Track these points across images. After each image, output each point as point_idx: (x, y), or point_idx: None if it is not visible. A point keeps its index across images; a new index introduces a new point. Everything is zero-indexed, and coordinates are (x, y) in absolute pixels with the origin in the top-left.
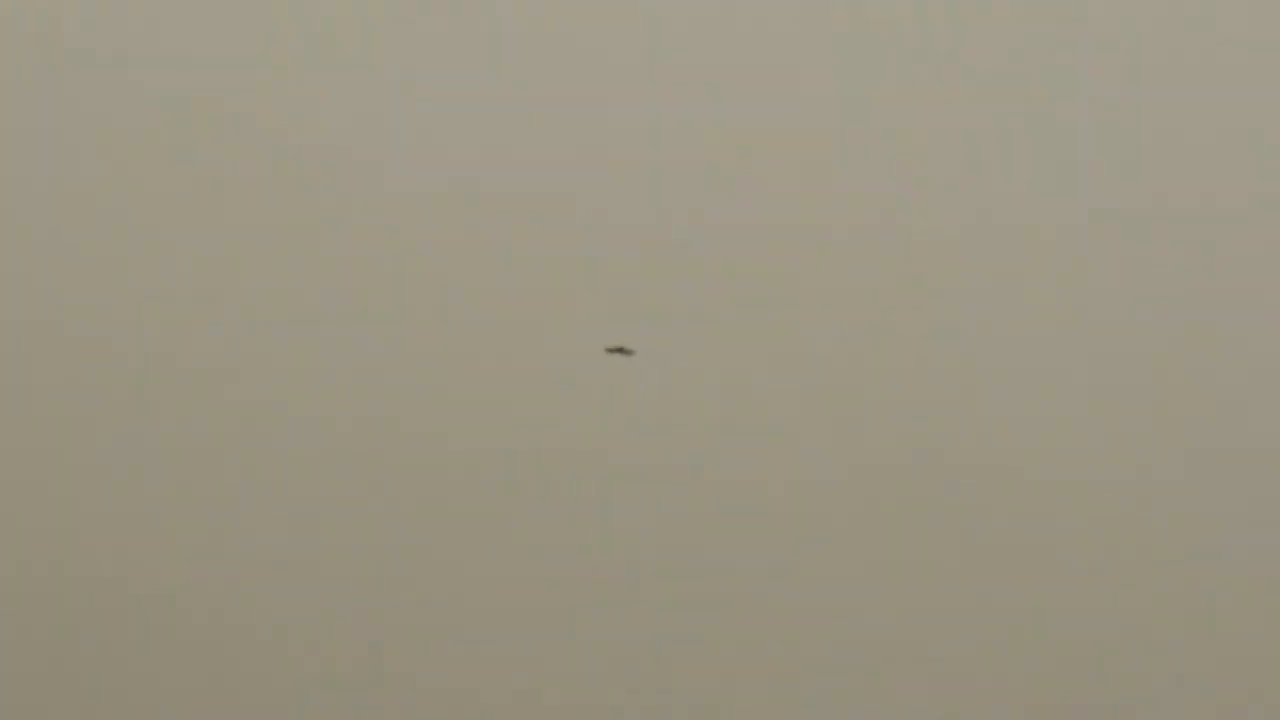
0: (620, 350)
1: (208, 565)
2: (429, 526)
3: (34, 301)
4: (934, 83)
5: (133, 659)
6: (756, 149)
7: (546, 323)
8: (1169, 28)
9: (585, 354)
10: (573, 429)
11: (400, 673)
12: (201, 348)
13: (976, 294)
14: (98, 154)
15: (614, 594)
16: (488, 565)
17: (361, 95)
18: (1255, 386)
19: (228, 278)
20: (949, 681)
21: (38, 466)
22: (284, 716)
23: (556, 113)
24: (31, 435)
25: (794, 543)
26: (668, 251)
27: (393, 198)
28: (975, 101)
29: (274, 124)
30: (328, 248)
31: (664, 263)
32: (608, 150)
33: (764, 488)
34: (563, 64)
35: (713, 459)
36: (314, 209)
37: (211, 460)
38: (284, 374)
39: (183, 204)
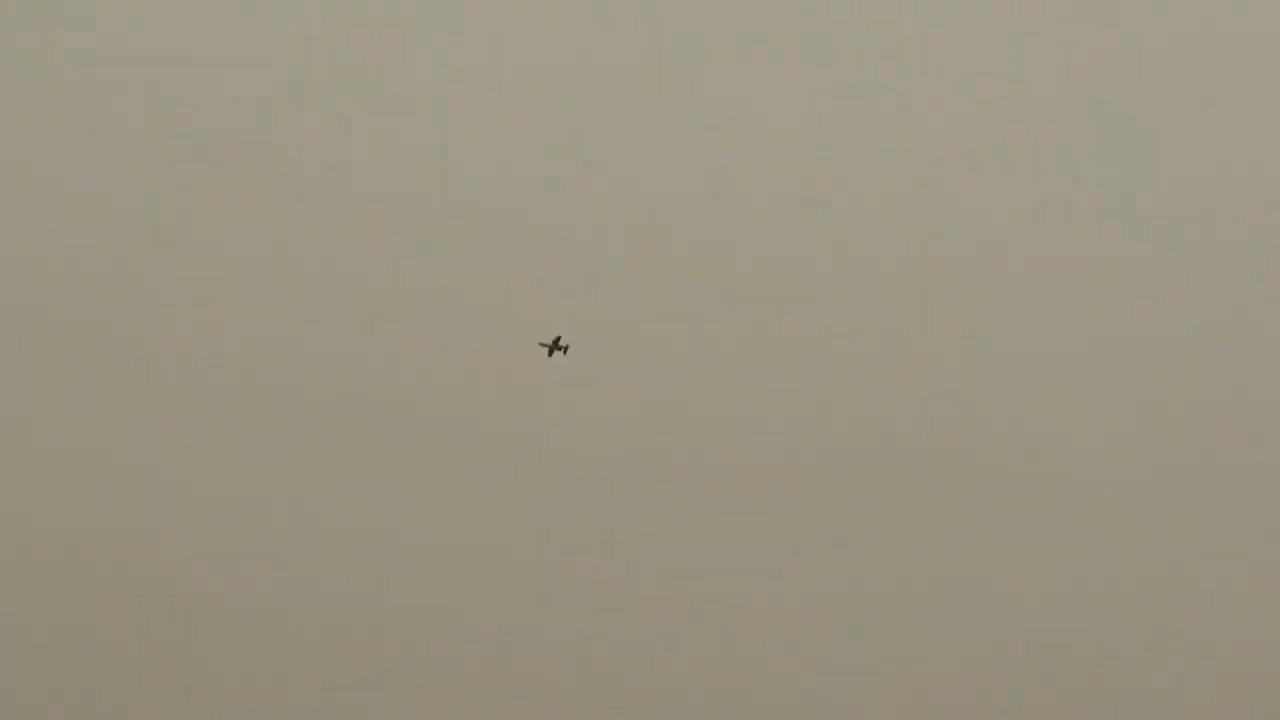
0: (556, 345)
1: (207, 560)
2: (420, 517)
3: (34, 301)
4: (933, 82)
5: (131, 651)
6: (753, 148)
7: (543, 318)
8: (1170, 29)
9: (583, 350)
10: (568, 426)
11: (398, 657)
12: (200, 345)
13: (974, 291)
14: (98, 153)
15: (610, 585)
16: (477, 549)
17: (360, 95)
18: (1254, 385)
19: (225, 274)
20: (942, 674)
21: (34, 455)
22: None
23: (551, 111)
24: (30, 427)
25: (792, 536)
26: (664, 248)
27: (389, 198)
28: (972, 100)
29: (272, 121)
30: (322, 243)
31: (660, 260)
32: (605, 148)
33: (761, 482)
34: (562, 63)
35: (708, 456)
36: (313, 208)
37: (209, 455)
38: (279, 363)
39: (183, 202)
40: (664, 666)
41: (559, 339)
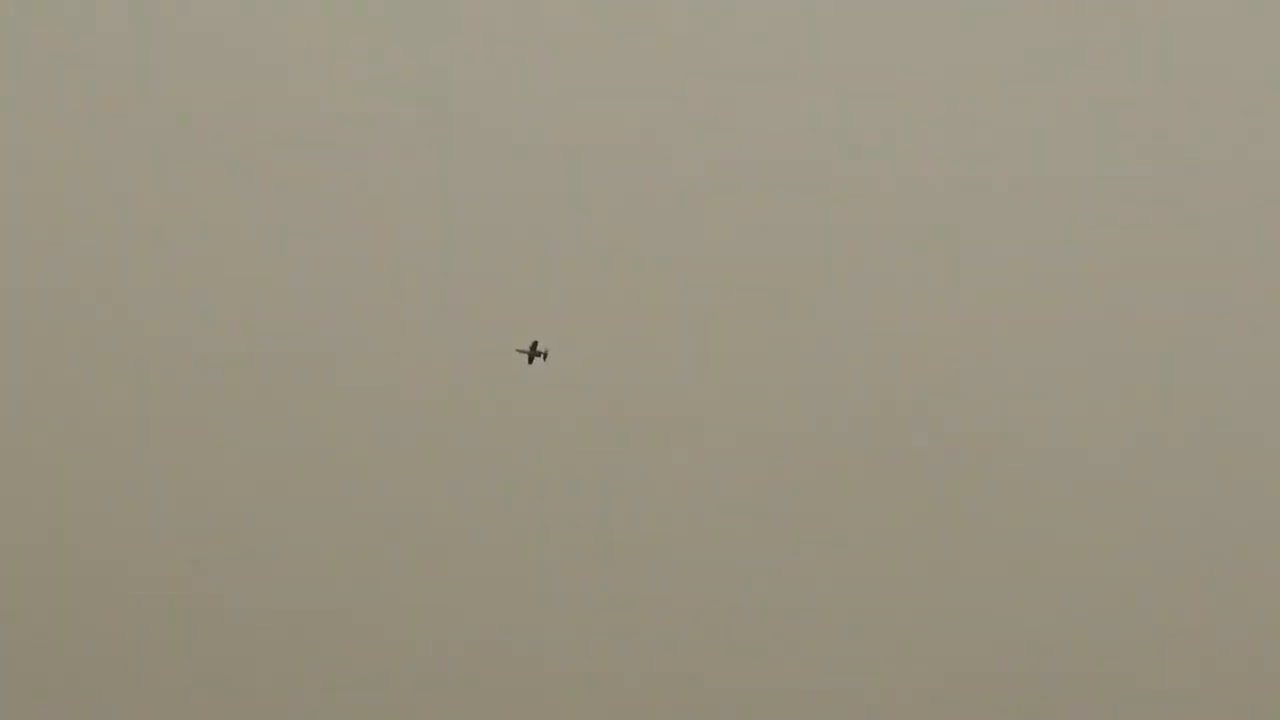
0: (534, 351)
1: (207, 554)
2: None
3: (33, 301)
4: (932, 81)
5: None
6: (750, 145)
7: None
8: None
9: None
10: (556, 417)
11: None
12: (199, 343)
13: (971, 287)
14: (99, 152)
15: (605, 577)
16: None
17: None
18: (1250, 384)
19: (224, 272)
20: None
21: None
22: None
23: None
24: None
25: (787, 526)
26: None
27: (387, 197)
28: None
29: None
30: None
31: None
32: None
33: (754, 471)
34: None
35: (704, 455)
36: (313, 208)
37: (209, 452)
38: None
39: (184, 201)
40: (659, 662)
41: (535, 344)
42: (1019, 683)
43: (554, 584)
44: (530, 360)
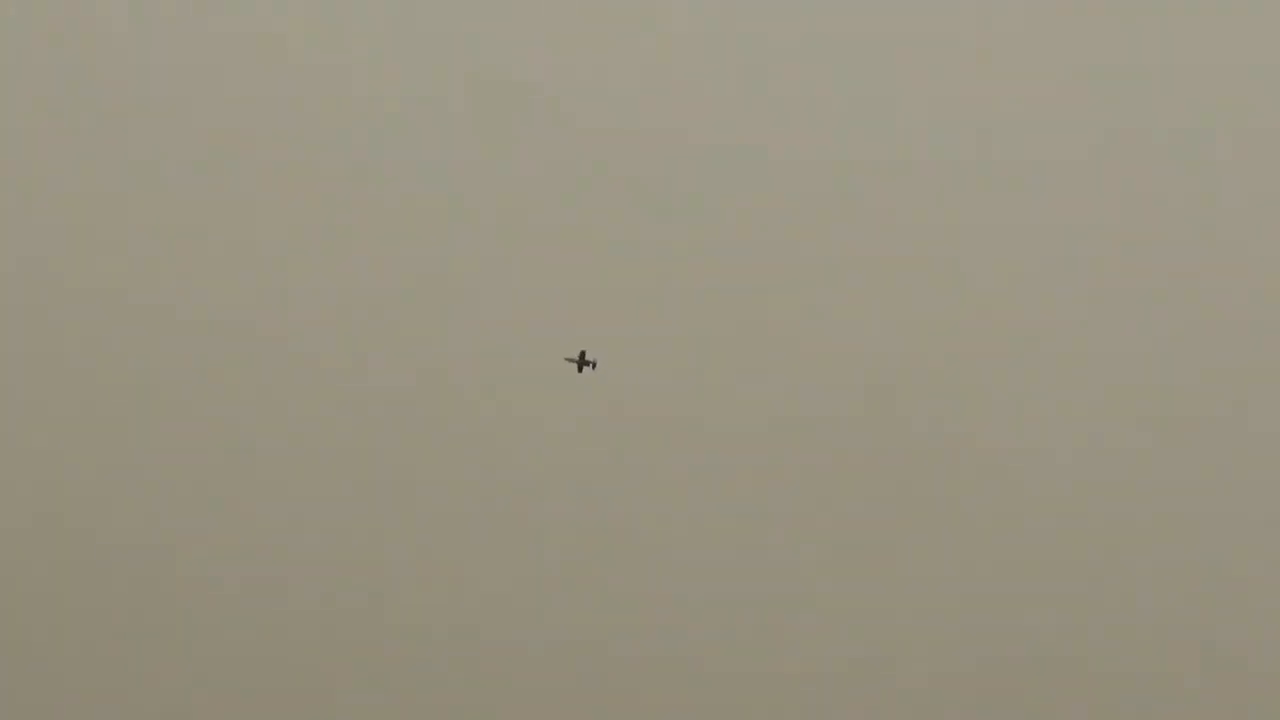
0: (583, 360)
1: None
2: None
3: (36, 299)
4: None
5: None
6: (747, 145)
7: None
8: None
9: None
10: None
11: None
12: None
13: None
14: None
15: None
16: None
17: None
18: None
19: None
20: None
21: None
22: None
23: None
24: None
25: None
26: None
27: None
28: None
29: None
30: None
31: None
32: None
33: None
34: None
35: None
36: (315, 208)
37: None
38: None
39: (186, 200)
40: (659, 661)
41: (584, 354)
42: (1018, 682)
43: (548, 584)
44: (580, 369)
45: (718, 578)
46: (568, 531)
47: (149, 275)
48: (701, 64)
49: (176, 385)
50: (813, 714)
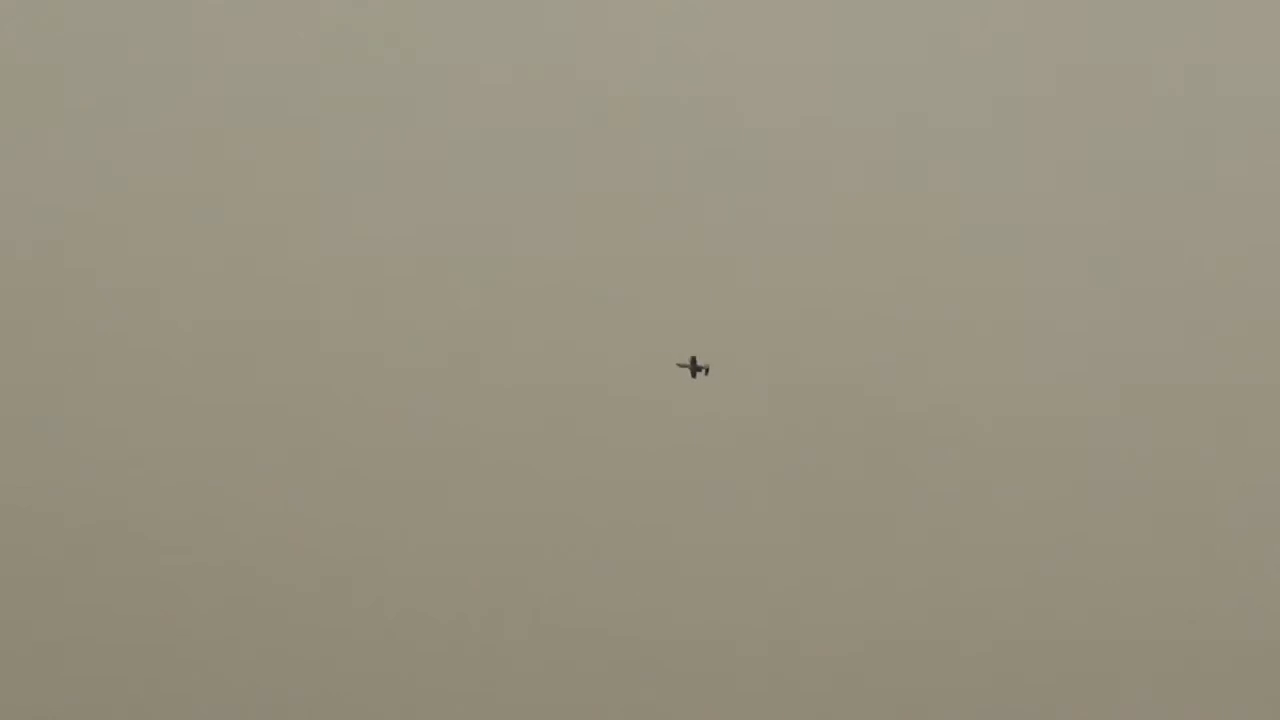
0: (695, 365)
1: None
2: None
3: (34, 302)
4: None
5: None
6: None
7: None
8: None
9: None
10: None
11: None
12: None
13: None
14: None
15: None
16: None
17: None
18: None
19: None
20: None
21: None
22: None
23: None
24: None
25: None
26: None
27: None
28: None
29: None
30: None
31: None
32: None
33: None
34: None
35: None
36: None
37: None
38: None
39: (189, 201)
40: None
41: (694, 359)
42: (1014, 680)
43: (544, 586)
44: (693, 374)
45: (722, 575)
46: (557, 524)
47: (163, 272)
48: (702, 63)
49: (176, 385)
50: (812, 712)
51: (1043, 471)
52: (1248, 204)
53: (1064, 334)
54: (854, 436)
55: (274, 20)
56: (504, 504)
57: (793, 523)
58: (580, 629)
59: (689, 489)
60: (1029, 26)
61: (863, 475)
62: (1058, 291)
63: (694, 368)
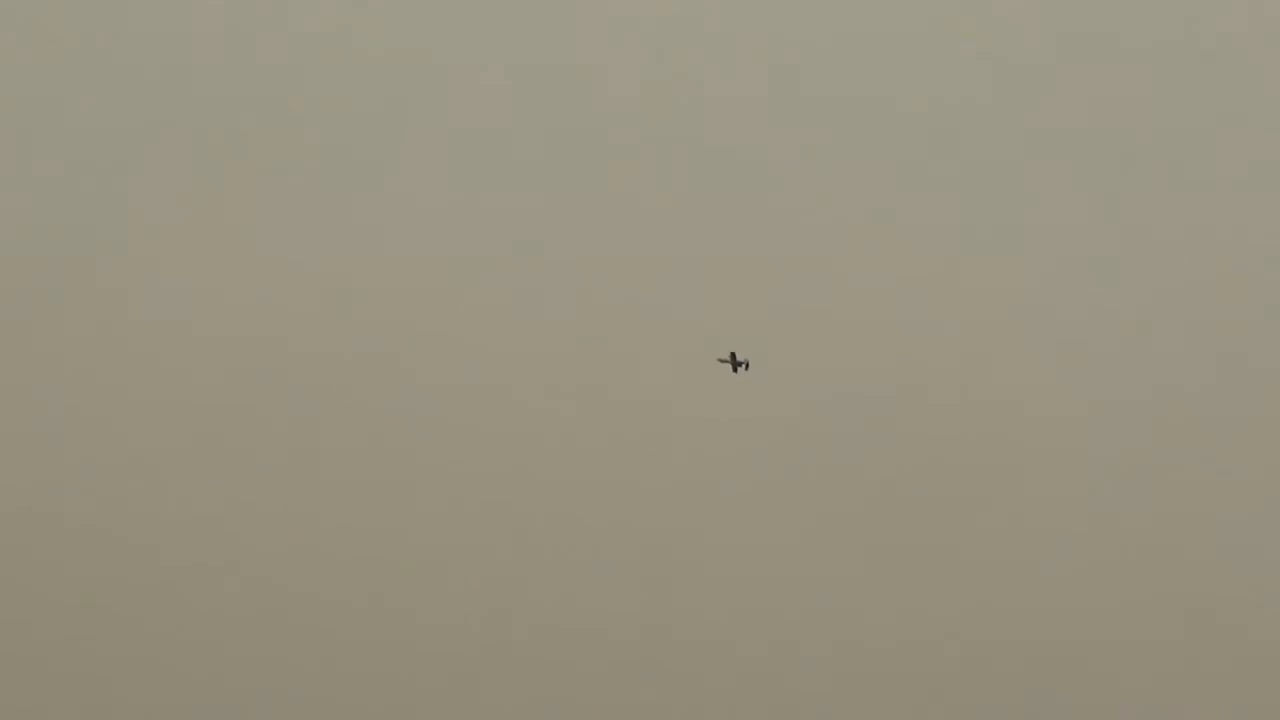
0: (734, 361)
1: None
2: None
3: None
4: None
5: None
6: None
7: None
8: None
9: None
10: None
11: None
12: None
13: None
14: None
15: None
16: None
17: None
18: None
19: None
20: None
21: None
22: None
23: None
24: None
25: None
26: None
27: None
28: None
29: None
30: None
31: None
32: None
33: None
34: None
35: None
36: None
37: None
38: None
39: (193, 202)
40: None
41: (734, 354)
42: (1014, 680)
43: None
44: (735, 370)
45: (729, 578)
46: (568, 527)
47: (160, 274)
48: (708, 68)
49: (176, 385)
50: (815, 709)
51: (1066, 474)
52: (1248, 203)
53: (1102, 340)
54: (854, 436)
55: (274, 20)
56: (504, 504)
57: (794, 523)
58: (580, 629)
59: (689, 489)
60: (1030, 26)
61: (862, 475)
62: (1098, 303)
63: (734, 363)
